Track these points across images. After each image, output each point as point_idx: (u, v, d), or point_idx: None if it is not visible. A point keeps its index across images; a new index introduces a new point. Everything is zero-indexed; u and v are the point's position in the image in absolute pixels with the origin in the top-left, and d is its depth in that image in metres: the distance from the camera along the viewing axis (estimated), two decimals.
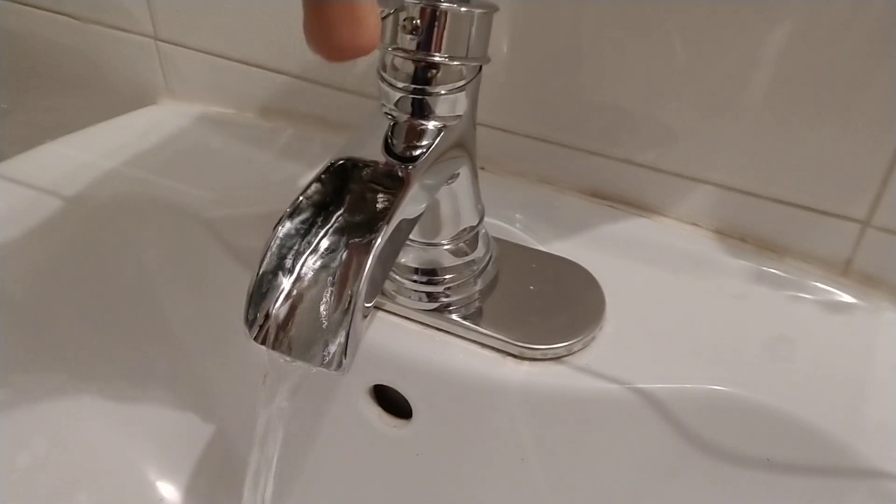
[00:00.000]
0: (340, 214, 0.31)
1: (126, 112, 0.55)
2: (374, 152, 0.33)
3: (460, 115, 0.34)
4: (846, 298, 0.41)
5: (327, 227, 0.31)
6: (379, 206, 0.32)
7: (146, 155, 0.50)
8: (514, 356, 0.39)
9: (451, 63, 0.32)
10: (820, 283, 0.42)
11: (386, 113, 0.34)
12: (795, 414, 0.36)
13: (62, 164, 0.49)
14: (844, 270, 0.42)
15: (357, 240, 0.31)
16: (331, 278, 0.30)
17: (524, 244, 0.44)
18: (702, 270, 0.43)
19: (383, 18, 0.31)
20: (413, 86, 0.33)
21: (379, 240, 0.29)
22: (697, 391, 0.37)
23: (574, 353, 0.39)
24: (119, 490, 0.48)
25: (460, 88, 0.33)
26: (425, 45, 0.32)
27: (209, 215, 0.45)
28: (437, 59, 0.32)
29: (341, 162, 0.32)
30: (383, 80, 0.34)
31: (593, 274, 0.42)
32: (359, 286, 0.28)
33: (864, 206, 0.39)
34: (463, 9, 0.31)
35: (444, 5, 0.31)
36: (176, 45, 0.53)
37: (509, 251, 0.43)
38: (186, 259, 0.47)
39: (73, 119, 0.53)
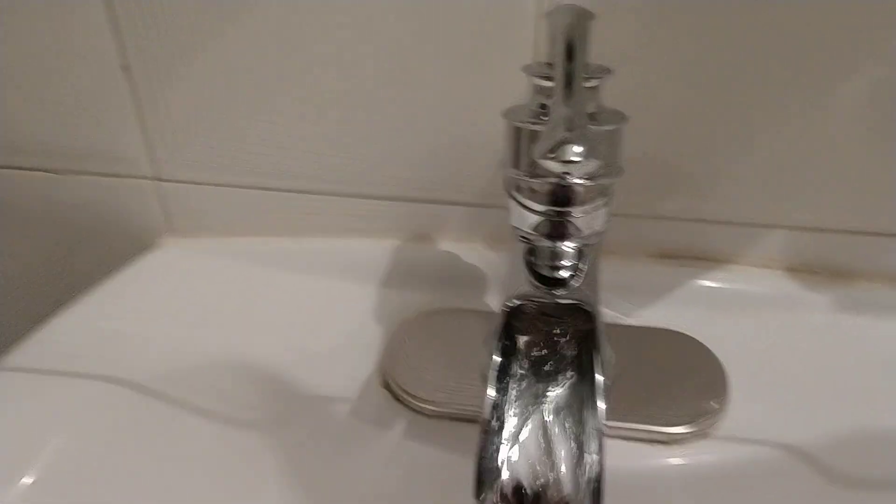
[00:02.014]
0: (537, 365, 0.30)
1: (127, 258, 0.51)
2: (535, 287, 0.32)
3: (602, 232, 0.33)
4: None
5: (528, 384, 0.30)
6: (569, 347, 0.31)
7: (189, 306, 0.46)
8: (664, 443, 0.39)
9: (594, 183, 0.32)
10: (892, 298, 0.44)
11: (522, 237, 0.33)
12: None
13: (108, 338, 0.44)
14: None
15: (564, 391, 0.30)
16: (564, 440, 0.28)
17: (615, 321, 0.44)
18: (788, 310, 0.45)
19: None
20: (554, 208, 0.32)
21: (600, 390, 0.28)
22: (840, 433, 0.39)
23: (716, 423, 0.39)
24: None
25: (604, 204, 0.32)
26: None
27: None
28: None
29: (517, 304, 0.31)
30: (519, 202, 0.33)
31: (695, 337, 0.43)
32: (600, 451, 0.27)
33: None
34: (602, 128, 0.31)
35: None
36: (179, 182, 0.49)
37: (608, 333, 0.43)
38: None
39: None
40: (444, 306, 0.46)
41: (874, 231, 0.43)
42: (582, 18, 0.29)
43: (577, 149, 0.24)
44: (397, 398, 0.42)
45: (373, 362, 0.43)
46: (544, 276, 0.33)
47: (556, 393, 0.30)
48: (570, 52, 0.28)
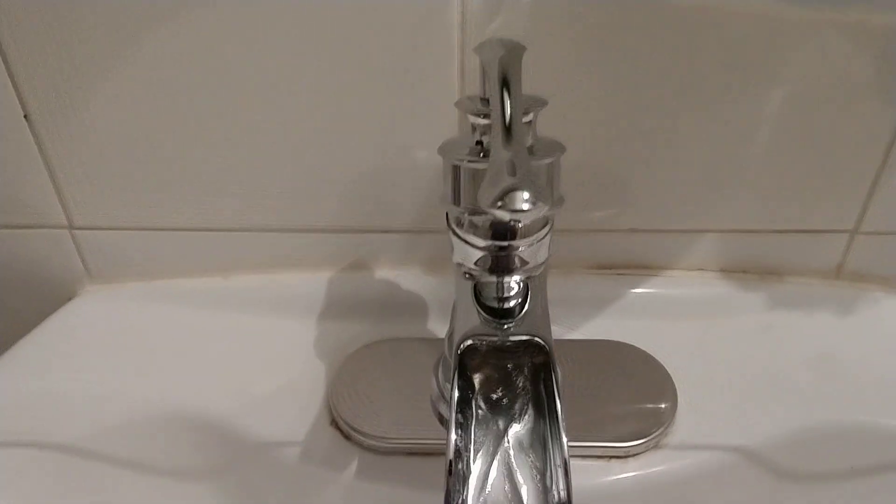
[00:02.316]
0: (495, 402, 0.30)
1: (48, 311, 0.48)
2: (484, 323, 0.31)
3: (544, 263, 0.33)
4: (848, 298, 0.46)
5: (488, 423, 0.29)
6: (525, 382, 0.30)
7: (118, 356, 0.44)
8: (620, 457, 0.39)
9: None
10: (822, 292, 0.46)
11: (467, 273, 0.33)
12: (868, 421, 0.40)
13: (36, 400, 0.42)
14: (837, 274, 0.46)
15: (524, 427, 0.29)
16: (530, 479, 0.28)
17: (559, 337, 0.45)
18: (724, 312, 0.46)
19: None
20: (497, 243, 0.32)
21: (561, 423, 0.28)
22: (784, 431, 0.40)
23: (668, 433, 0.40)
24: None
25: (546, 233, 0.32)
26: None
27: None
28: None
29: (469, 344, 0.30)
30: (462, 238, 0.32)
31: (638, 347, 0.43)
32: (567, 487, 0.27)
33: (853, 217, 0.44)
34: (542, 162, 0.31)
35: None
36: (97, 228, 0.46)
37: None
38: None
39: None
40: (388, 336, 0.45)
41: (799, 229, 0.45)
42: (513, 51, 0.29)
43: (525, 195, 0.24)
44: (347, 437, 0.41)
45: (319, 401, 0.42)
46: (493, 309, 0.32)
47: (517, 430, 0.29)
48: (505, 88, 0.27)
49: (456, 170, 0.31)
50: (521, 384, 0.30)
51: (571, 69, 0.40)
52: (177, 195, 0.45)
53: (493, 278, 0.32)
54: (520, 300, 0.33)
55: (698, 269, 0.47)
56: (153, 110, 0.42)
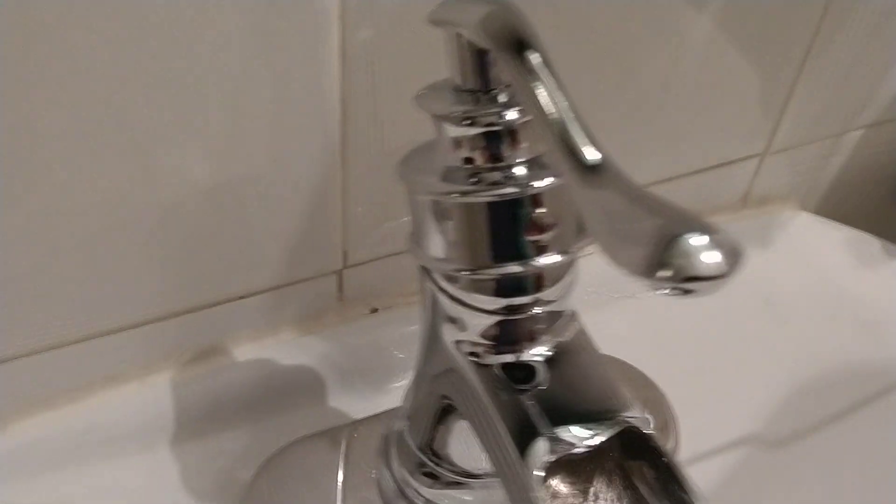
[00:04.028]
0: None
1: None
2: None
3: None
4: (760, 228, 0.42)
5: None
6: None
7: None
8: None
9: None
10: (735, 228, 0.41)
11: (471, 354, 0.22)
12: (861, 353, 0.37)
13: None
14: (744, 203, 0.42)
15: None
16: None
17: None
18: None
19: None
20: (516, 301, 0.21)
21: None
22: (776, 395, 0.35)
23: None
24: None
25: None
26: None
27: None
28: None
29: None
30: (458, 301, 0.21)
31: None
32: None
33: (764, 139, 0.39)
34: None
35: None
36: None
37: None
38: None
39: None
40: (278, 441, 0.32)
41: (711, 165, 0.39)
42: (507, 7, 0.18)
43: (717, 253, 0.14)
44: None
45: None
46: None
47: None
48: (543, 68, 0.17)
49: (439, 207, 0.20)
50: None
51: None
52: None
53: (511, 357, 0.22)
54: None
55: None
56: None
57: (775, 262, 0.40)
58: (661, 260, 0.14)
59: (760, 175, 0.41)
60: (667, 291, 0.14)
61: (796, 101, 0.38)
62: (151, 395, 0.32)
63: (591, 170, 0.16)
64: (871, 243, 0.42)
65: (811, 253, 0.41)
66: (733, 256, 0.14)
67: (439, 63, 0.20)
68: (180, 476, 0.32)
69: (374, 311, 0.36)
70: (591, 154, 0.16)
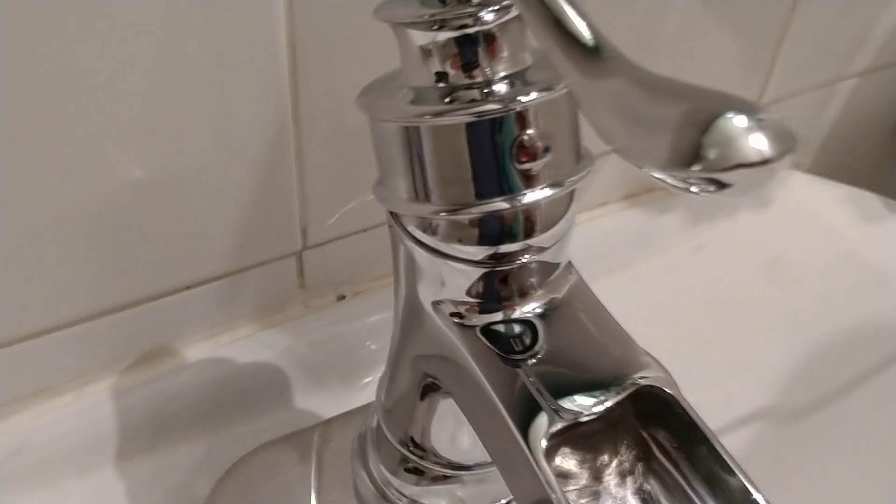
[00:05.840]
0: None
1: None
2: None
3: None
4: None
5: None
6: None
7: None
8: None
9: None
10: None
11: (454, 315, 0.18)
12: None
13: None
14: None
15: None
16: None
17: None
18: (653, 243, 0.36)
19: None
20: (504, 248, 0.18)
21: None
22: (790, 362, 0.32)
23: None
24: None
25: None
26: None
27: None
28: None
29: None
30: (438, 252, 0.18)
31: None
32: None
33: (754, 94, 0.36)
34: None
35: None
36: None
37: None
38: None
39: None
40: (238, 450, 0.28)
41: None
42: None
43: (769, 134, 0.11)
44: None
45: None
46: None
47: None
48: None
49: (410, 135, 0.16)
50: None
51: None
52: None
53: (499, 315, 0.18)
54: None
55: (601, 204, 0.37)
56: None
57: (776, 224, 0.37)
58: (694, 148, 0.11)
59: None
60: (696, 190, 0.11)
61: (784, 55, 0.35)
62: (89, 409, 0.28)
63: (595, 53, 0.13)
64: (872, 199, 0.39)
65: (811, 213, 0.39)
66: (783, 140, 0.11)
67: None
68: (127, 498, 0.27)
69: (342, 298, 0.32)
70: (595, 35, 0.13)
